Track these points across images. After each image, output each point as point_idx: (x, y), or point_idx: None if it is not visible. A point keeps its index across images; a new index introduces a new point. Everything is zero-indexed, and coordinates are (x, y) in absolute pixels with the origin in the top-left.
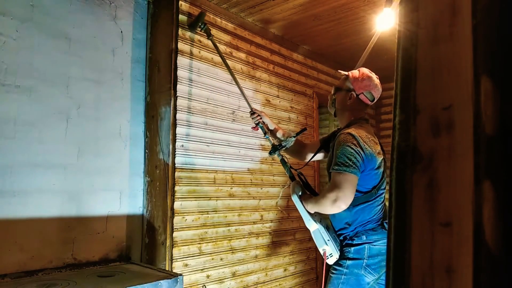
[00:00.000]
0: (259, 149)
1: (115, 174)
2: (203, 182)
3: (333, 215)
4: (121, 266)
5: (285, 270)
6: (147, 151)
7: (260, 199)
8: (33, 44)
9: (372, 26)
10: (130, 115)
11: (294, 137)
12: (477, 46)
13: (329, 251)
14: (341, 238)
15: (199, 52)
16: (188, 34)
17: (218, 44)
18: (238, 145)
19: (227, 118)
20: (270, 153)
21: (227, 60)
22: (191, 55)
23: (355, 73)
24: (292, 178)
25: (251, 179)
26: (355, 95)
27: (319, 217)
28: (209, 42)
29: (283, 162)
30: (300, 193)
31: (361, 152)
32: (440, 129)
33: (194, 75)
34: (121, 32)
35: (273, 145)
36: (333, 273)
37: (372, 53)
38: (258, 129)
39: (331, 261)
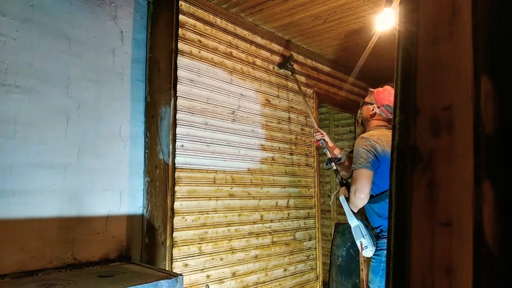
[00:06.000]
0: (259, 149)
1: (115, 174)
2: (203, 182)
3: (368, 210)
4: (121, 266)
5: (285, 270)
6: (147, 151)
7: (260, 199)
8: (33, 44)
9: (372, 26)
10: (130, 115)
11: (350, 152)
12: (477, 46)
13: (365, 243)
14: (378, 231)
15: (199, 52)
16: (188, 34)
17: (219, 45)
18: (238, 145)
19: (227, 118)
20: (326, 163)
21: (229, 61)
22: (191, 55)
23: (379, 89)
24: (341, 184)
25: (251, 179)
26: (376, 107)
27: (360, 216)
28: (209, 42)
29: (336, 171)
30: (343, 196)
31: (372, 150)
32: (440, 129)
33: (194, 75)
34: (121, 32)
35: (330, 158)
36: (373, 262)
37: (372, 53)
38: (319, 144)
39: (366, 253)
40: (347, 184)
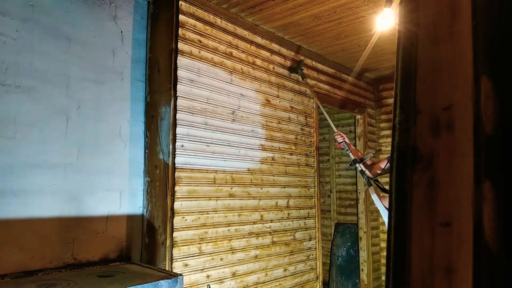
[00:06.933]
0: (259, 149)
1: (115, 174)
2: (203, 182)
3: None
4: (121, 266)
5: (285, 270)
6: (147, 151)
7: (260, 199)
8: (33, 44)
9: (372, 26)
10: (130, 115)
11: (373, 154)
12: (477, 46)
13: None
14: None
15: (199, 52)
16: (188, 34)
17: (219, 45)
18: (238, 145)
19: (227, 118)
20: (350, 165)
21: (229, 61)
22: (191, 55)
23: None
24: (369, 184)
25: (251, 179)
26: None
27: None
28: (209, 42)
29: (361, 172)
30: (376, 194)
31: None
32: (440, 129)
33: (194, 75)
34: (121, 32)
35: (354, 160)
36: None
37: (372, 53)
38: (341, 146)
39: None
40: (377, 183)
